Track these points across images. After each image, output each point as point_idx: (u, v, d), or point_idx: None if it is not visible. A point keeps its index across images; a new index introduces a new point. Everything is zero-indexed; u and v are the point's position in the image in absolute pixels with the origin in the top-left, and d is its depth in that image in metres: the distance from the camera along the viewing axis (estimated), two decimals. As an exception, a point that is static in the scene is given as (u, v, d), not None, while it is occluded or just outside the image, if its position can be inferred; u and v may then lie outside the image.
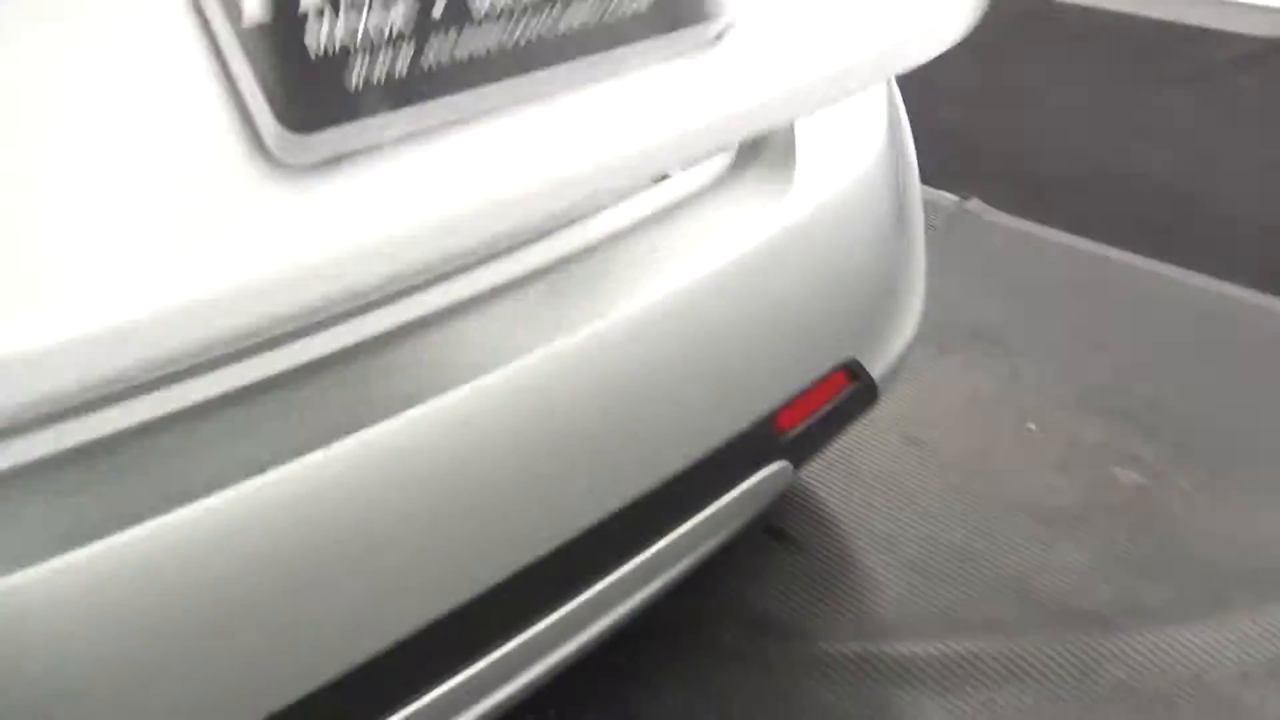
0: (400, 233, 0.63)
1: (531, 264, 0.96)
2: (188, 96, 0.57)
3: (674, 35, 0.73)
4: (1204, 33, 3.52)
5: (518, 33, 0.66)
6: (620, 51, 0.71)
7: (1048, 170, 2.94)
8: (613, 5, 0.70)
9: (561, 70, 0.69)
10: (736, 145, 1.12)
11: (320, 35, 0.60)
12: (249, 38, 0.58)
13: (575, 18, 0.68)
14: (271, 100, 0.59)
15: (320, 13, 0.60)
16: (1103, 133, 3.13)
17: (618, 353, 0.98)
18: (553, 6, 0.66)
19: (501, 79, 0.66)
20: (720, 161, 1.12)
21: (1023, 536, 1.74)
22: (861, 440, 1.90)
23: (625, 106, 0.71)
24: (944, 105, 2.45)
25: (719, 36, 0.76)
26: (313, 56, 0.60)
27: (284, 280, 0.59)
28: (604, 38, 0.70)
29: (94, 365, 0.53)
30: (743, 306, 1.10)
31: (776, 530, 1.75)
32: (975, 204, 2.66)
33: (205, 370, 0.75)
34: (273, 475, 0.75)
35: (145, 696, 0.77)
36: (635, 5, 0.71)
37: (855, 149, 1.23)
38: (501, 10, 0.66)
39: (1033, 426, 1.98)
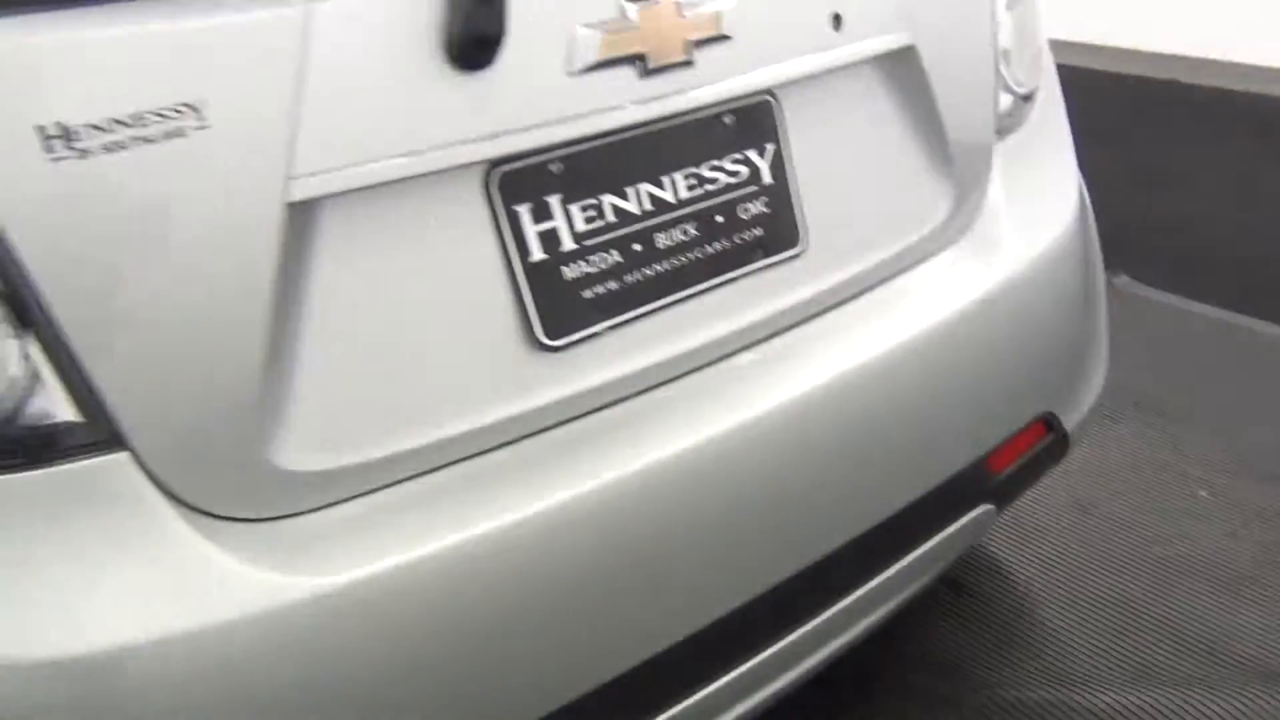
0: (620, 376, 0.99)
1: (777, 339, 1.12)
2: (498, 301, 0.93)
3: (777, 255, 1.08)
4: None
5: (683, 262, 1.03)
6: (745, 265, 1.08)
7: (1191, 246, 3.00)
8: (739, 242, 1.07)
9: (709, 278, 1.05)
10: (949, 218, 1.25)
11: (570, 270, 0.96)
12: (532, 270, 0.93)
13: (718, 254, 1.05)
14: (540, 307, 0.94)
15: (572, 257, 0.95)
16: (1243, 209, 3.19)
17: (861, 396, 1.12)
18: (704, 251, 1.04)
19: (675, 288, 1.03)
20: (937, 233, 1.25)
21: (1203, 598, 1.78)
22: (1034, 503, 1.97)
23: (750, 295, 1.09)
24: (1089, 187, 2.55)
25: (802, 254, 1.09)
26: (566, 281, 0.96)
27: (562, 400, 0.96)
28: (735, 259, 1.07)
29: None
30: (961, 360, 1.22)
31: (957, 583, 1.83)
32: (1124, 280, 2.73)
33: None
34: (578, 503, 0.92)
35: (468, 681, 0.91)
36: (752, 238, 1.06)
37: (1052, 221, 1.36)
38: (674, 250, 1.02)
39: (1204, 493, 2.02)
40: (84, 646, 0.75)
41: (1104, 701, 1.59)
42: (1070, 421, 1.43)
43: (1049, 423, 1.40)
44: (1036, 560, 1.89)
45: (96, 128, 0.72)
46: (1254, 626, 1.72)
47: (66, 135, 0.71)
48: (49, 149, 0.71)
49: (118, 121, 0.73)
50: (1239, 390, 2.35)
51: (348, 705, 0.83)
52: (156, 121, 0.74)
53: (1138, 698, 1.59)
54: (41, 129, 0.71)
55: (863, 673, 1.65)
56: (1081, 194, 1.43)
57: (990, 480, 1.33)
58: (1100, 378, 1.51)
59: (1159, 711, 1.57)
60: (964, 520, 1.33)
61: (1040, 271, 1.31)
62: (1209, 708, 1.56)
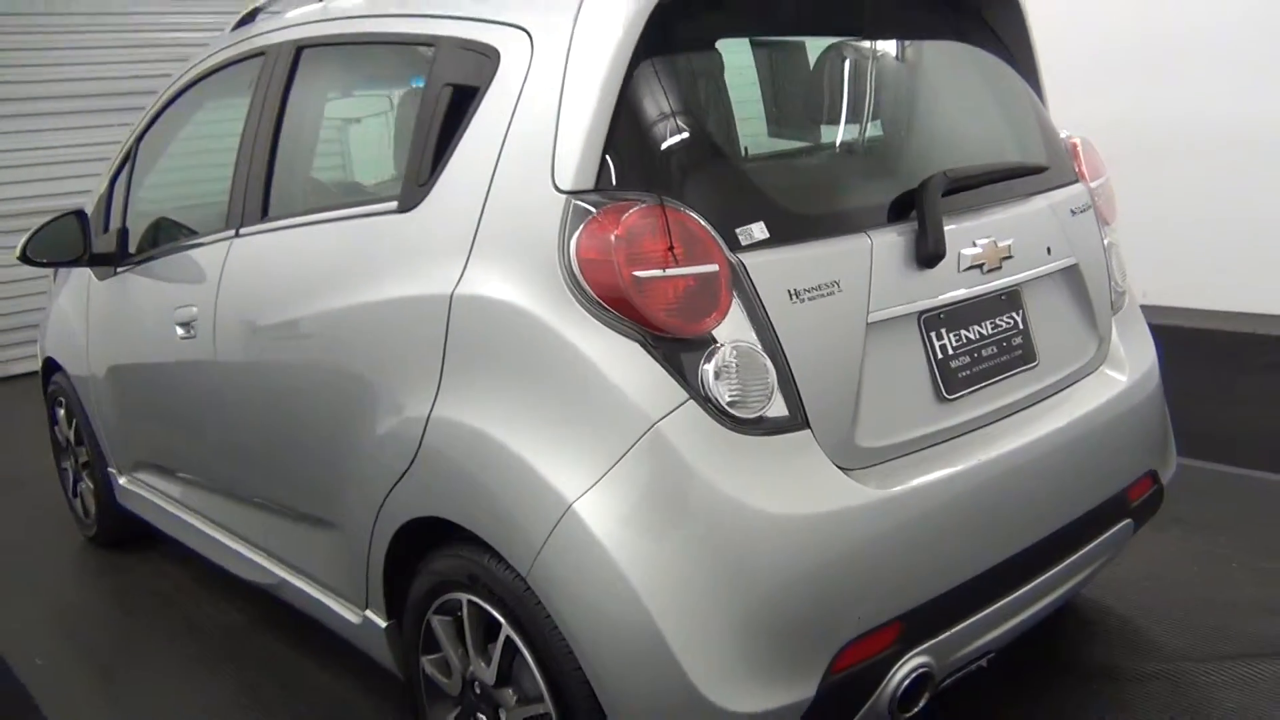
0: (978, 415, 1.99)
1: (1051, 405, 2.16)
2: (925, 376, 1.98)
3: (1028, 365, 2.13)
4: None
5: (996, 362, 2.06)
6: (1018, 368, 2.11)
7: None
8: (1014, 356, 2.19)
9: (1005, 374, 2.10)
10: (1096, 352, 2.33)
11: (953, 362, 2.01)
12: (938, 362, 1.98)
13: (1006, 360, 2.08)
14: (941, 380, 1.97)
15: (951, 357, 2.07)
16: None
17: (1069, 439, 2.14)
18: (1001, 359, 2.08)
19: (995, 375, 2.07)
20: (1092, 360, 2.32)
21: None
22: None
23: (1022, 383, 2.15)
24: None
25: (1037, 366, 2.14)
26: (950, 368, 1.98)
27: (956, 424, 1.97)
28: (1014, 364, 2.11)
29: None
30: (1110, 427, 2.25)
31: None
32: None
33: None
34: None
35: (942, 549, 1.87)
36: (1018, 355, 2.14)
37: (1144, 358, 2.43)
38: (991, 355, 2.05)
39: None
40: (809, 505, 1.73)
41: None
42: (1165, 477, 2.45)
43: (1154, 475, 2.41)
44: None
45: (812, 289, 1.78)
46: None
47: (819, 291, 1.77)
48: (797, 300, 1.77)
49: (816, 287, 1.79)
50: None
51: (896, 551, 1.80)
52: (826, 289, 1.80)
53: None
54: (792, 291, 1.76)
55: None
56: (1154, 346, 2.52)
57: (1129, 505, 2.33)
58: (1174, 457, 2.54)
59: None
60: (1118, 526, 2.31)
61: (1142, 383, 2.37)
62: None
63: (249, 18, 3.03)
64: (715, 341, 1.73)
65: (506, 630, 1.89)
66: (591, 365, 1.72)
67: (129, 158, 3.31)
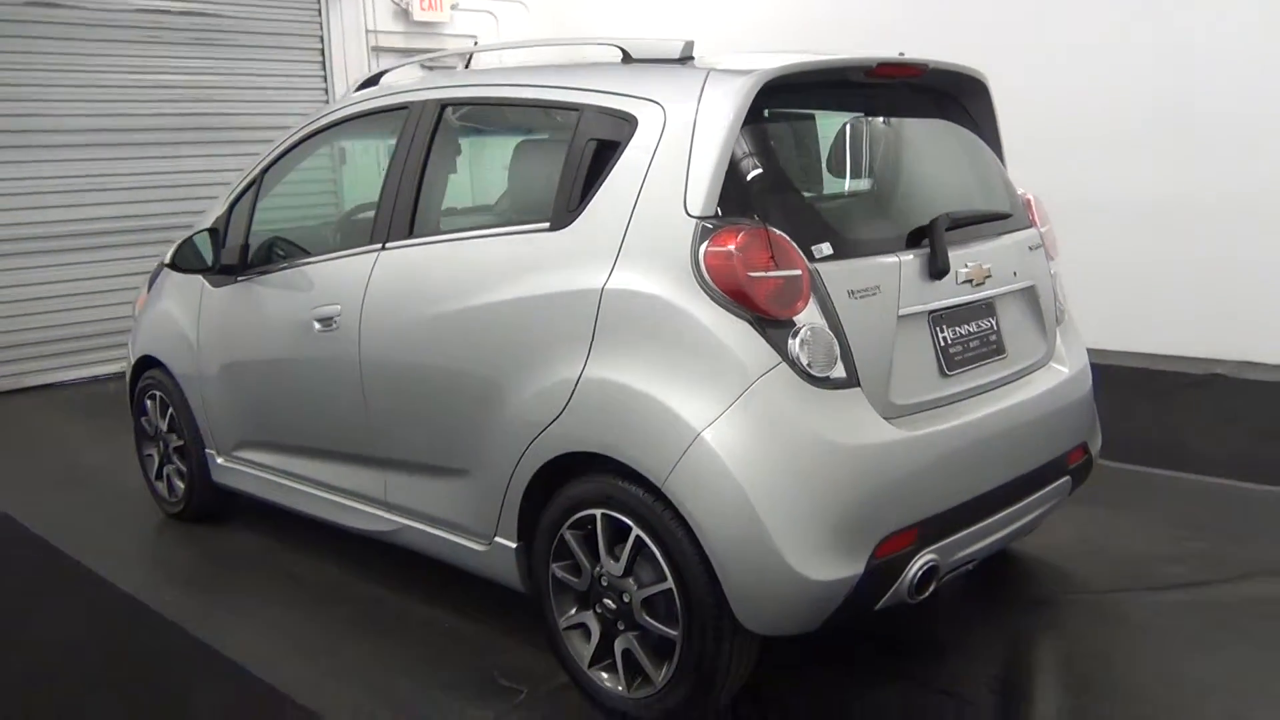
0: (969, 387, 2.83)
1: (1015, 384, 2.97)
2: (932, 358, 2.79)
3: (999, 357, 2.98)
4: None
5: (979, 352, 2.91)
6: (993, 358, 2.96)
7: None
8: (990, 348, 3.04)
9: (985, 360, 2.92)
10: (1046, 353, 3.16)
11: (951, 349, 2.89)
12: (940, 349, 2.82)
13: (987, 350, 2.96)
14: (942, 361, 2.80)
15: (949, 345, 2.95)
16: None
17: (1030, 408, 2.95)
18: (982, 349, 2.99)
19: (978, 360, 2.91)
20: (1043, 358, 3.15)
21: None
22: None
23: (996, 370, 2.97)
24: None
25: (1006, 359, 3.00)
26: (949, 352, 2.82)
27: (955, 392, 2.81)
28: (990, 355, 2.95)
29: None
30: (1055, 407, 3.07)
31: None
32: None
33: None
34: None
35: (948, 475, 2.65)
36: (994, 348, 3.00)
37: (1078, 358, 3.27)
38: (975, 347, 2.90)
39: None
40: (861, 438, 2.51)
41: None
42: (1094, 449, 3.28)
43: (1085, 448, 3.25)
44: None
45: (863, 290, 2.58)
46: None
47: (868, 292, 2.56)
48: (853, 297, 2.56)
49: (865, 289, 2.58)
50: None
51: (916, 474, 2.58)
52: (871, 291, 2.60)
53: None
54: (850, 291, 2.56)
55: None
56: (1085, 351, 3.36)
57: (1068, 466, 3.15)
58: (1100, 437, 3.38)
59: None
60: (1061, 480, 3.12)
61: (1079, 376, 3.21)
62: None
63: (372, 81, 3.77)
64: (798, 324, 2.50)
65: (636, 532, 2.61)
66: (714, 337, 2.48)
67: (254, 184, 3.98)
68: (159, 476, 4.58)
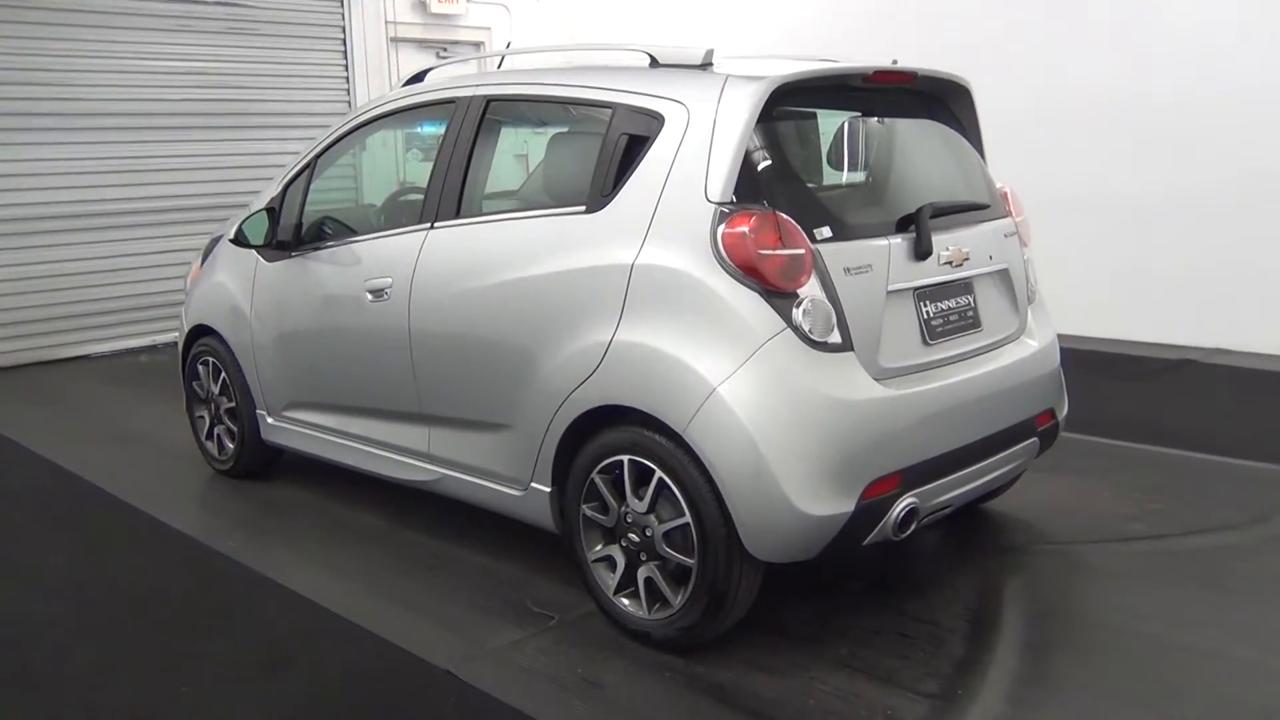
0: (949, 355, 3.26)
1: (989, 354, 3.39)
2: (916, 327, 3.21)
3: (976, 330, 3.41)
4: None
5: (959, 324, 3.34)
6: (970, 330, 3.41)
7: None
8: (968, 321, 3.50)
9: (964, 332, 3.36)
10: (1019, 328, 3.58)
11: (932, 321, 3.31)
12: (924, 321, 3.26)
13: (966, 322, 3.45)
14: (925, 331, 3.22)
15: (932, 317, 3.37)
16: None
17: (1004, 376, 3.38)
18: (961, 322, 3.42)
19: (957, 331, 3.34)
20: (1015, 332, 3.57)
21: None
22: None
23: (973, 341, 3.40)
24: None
25: (982, 330, 3.46)
26: (931, 323, 3.25)
27: (936, 359, 3.23)
28: (968, 327, 3.38)
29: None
30: (1026, 374, 3.50)
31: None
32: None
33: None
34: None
35: (924, 433, 3.08)
36: (970, 321, 3.45)
37: (1047, 334, 3.69)
38: (956, 320, 3.32)
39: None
40: (854, 395, 2.92)
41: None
42: (1060, 415, 3.70)
43: (1052, 412, 3.67)
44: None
45: (857, 268, 2.99)
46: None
47: (861, 270, 2.98)
48: (848, 274, 2.97)
49: (859, 267, 3.00)
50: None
51: (900, 427, 3.00)
52: (864, 269, 3.01)
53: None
54: (846, 268, 2.97)
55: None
56: (1054, 328, 3.78)
57: (1036, 428, 3.57)
58: (1066, 404, 3.80)
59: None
60: (1029, 440, 3.54)
61: (1048, 350, 3.64)
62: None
63: (419, 77, 4.18)
64: (801, 295, 2.91)
65: (659, 474, 3.02)
66: (729, 306, 2.90)
67: (308, 168, 4.38)
68: (210, 436, 4.99)
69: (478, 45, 10.12)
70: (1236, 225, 6.58)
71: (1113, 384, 6.15)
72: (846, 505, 2.90)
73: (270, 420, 4.62)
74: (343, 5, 9.15)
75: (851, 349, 2.97)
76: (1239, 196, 6.53)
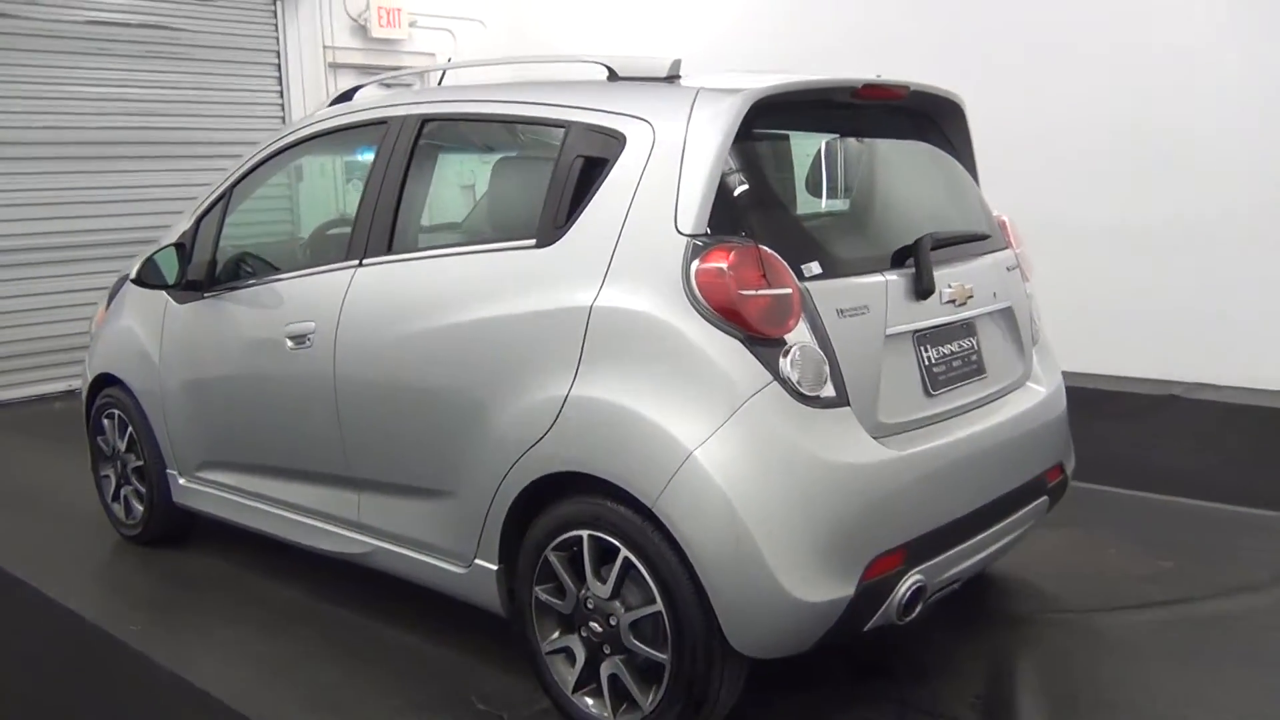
0: (952, 407, 2.83)
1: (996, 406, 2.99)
2: (917, 376, 2.78)
3: (980, 377, 2.98)
4: None
5: (962, 371, 2.91)
6: (975, 378, 2.97)
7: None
8: (972, 367, 3.02)
9: (968, 380, 2.94)
10: (1024, 373, 3.18)
11: (934, 368, 2.87)
12: (925, 368, 2.81)
13: (969, 370, 2.95)
14: (927, 381, 2.80)
15: (934, 364, 2.95)
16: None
17: (1011, 426, 2.97)
18: (964, 369, 2.94)
19: (961, 380, 2.92)
20: (1020, 377, 3.18)
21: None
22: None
23: (978, 389, 2.98)
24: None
25: (987, 378, 3.02)
26: (934, 372, 2.82)
27: (939, 412, 2.81)
28: (972, 374, 2.96)
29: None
30: (1035, 425, 3.10)
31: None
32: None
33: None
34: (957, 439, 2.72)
35: (935, 493, 2.66)
36: (975, 368, 2.99)
37: (1054, 378, 3.30)
38: (958, 366, 2.90)
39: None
40: (852, 458, 2.50)
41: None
42: (1069, 469, 3.31)
43: (1062, 466, 3.27)
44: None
45: (852, 309, 2.57)
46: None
47: (856, 311, 2.56)
48: (842, 316, 2.55)
49: (854, 308, 2.58)
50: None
51: (904, 494, 2.58)
52: (860, 310, 2.60)
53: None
54: (839, 310, 2.55)
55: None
56: (1060, 370, 3.40)
57: (1046, 485, 3.17)
58: (1073, 454, 3.40)
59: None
60: (1039, 500, 3.14)
61: (1055, 396, 3.24)
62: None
63: (347, 96, 3.72)
64: (788, 342, 2.49)
65: (624, 553, 2.57)
66: (706, 356, 2.46)
67: (222, 198, 3.90)
68: (116, 498, 4.45)
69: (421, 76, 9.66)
70: (1217, 255, 6.29)
71: (1101, 423, 5.78)
72: (845, 589, 2.46)
73: (182, 481, 4.10)
74: (277, 30, 8.66)
75: (847, 403, 2.55)
76: (1226, 227, 6.25)
